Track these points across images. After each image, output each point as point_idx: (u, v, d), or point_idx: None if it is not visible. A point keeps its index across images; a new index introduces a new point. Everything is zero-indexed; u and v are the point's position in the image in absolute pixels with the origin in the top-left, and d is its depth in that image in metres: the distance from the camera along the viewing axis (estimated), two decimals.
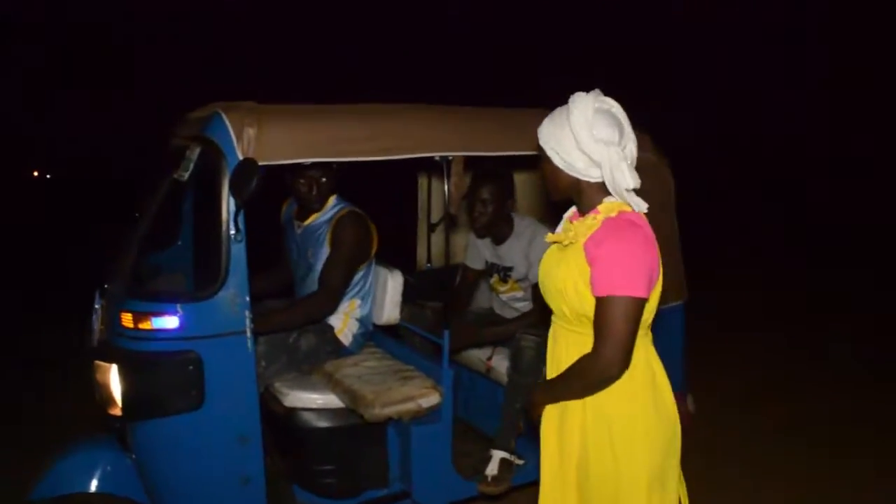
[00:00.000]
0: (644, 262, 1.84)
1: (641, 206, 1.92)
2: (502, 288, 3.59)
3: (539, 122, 2.02)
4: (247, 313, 2.51)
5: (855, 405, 4.96)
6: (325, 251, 3.15)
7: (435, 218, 4.22)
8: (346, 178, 3.23)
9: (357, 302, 3.26)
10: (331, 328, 3.21)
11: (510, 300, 3.60)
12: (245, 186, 2.33)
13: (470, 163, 2.96)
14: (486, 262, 3.63)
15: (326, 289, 3.09)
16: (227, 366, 2.52)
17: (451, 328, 2.97)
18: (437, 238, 4.26)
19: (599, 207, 1.92)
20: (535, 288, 3.32)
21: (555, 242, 2.07)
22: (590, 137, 1.85)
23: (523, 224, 3.46)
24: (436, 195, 4.21)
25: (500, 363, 3.39)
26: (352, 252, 3.15)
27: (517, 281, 3.50)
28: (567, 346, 2.03)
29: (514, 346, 3.13)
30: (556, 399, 2.06)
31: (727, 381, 5.35)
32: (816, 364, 5.86)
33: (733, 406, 4.93)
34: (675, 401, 2.05)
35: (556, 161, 1.93)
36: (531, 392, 2.17)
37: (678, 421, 2.05)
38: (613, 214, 1.89)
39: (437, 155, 2.84)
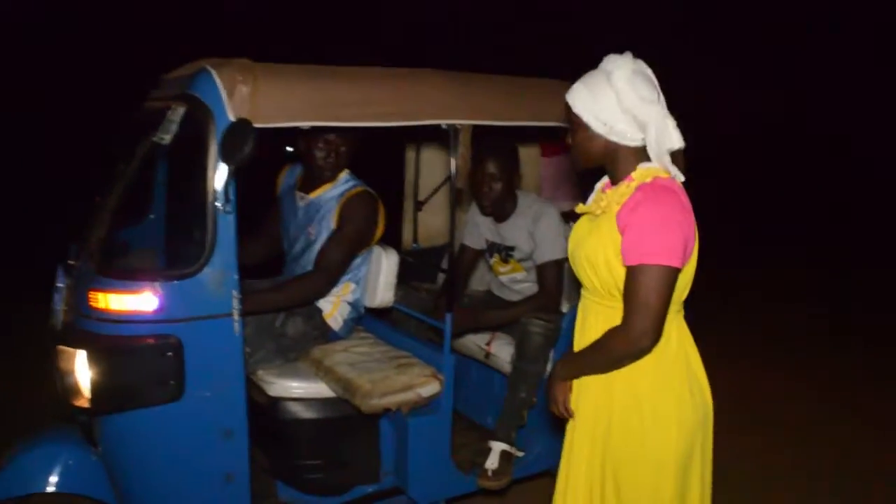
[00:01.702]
0: (679, 229, 1.77)
1: (678, 174, 1.89)
2: (503, 269, 3.39)
3: (553, 91, 1.90)
4: (234, 293, 2.30)
5: None
6: (330, 229, 2.93)
7: (422, 195, 4.00)
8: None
9: (351, 286, 3.05)
10: (319, 311, 2.99)
11: (510, 282, 3.41)
12: (237, 151, 2.10)
13: (475, 135, 2.76)
14: (487, 242, 3.43)
15: (324, 269, 2.88)
16: (211, 352, 2.32)
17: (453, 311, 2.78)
18: (424, 216, 4.06)
19: (633, 174, 1.88)
20: (541, 269, 3.14)
21: (585, 213, 2.02)
22: (635, 96, 1.83)
23: (527, 201, 3.27)
24: (425, 170, 3.99)
25: (501, 349, 3.21)
26: (358, 234, 2.94)
27: (519, 261, 3.31)
28: (597, 321, 1.97)
29: (521, 331, 2.95)
30: (581, 373, 2.02)
31: None
32: None
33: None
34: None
35: (595, 126, 1.88)
36: (555, 365, 2.10)
37: (711, 405, 2.00)
38: (648, 180, 1.84)
39: (444, 122, 2.64)
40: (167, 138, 2.31)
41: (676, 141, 1.84)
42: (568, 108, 1.94)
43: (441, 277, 3.90)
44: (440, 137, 2.70)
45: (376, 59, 2.82)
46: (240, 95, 2.20)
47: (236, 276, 2.28)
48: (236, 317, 2.30)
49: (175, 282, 2.24)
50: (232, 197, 2.22)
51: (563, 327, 3.04)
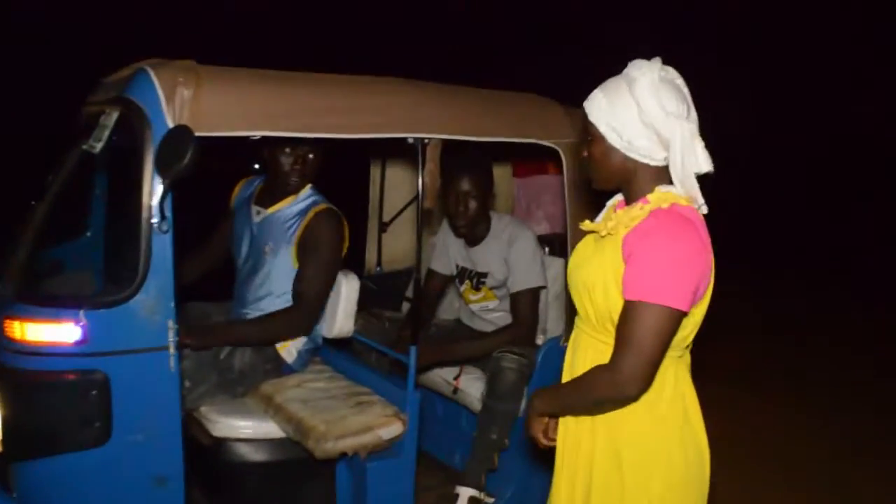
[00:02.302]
0: (692, 268, 1.59)
1: (703, 205, 1.70)
2: (474, 297, 3.16)
3: (532, 106, 1.71)
4: (170, 324, 2.04)
5: None
6: (290, 250, 2.68)
7: (387, 215, 3.77)
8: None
9: None
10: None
11: (482, 311, 3.18)
12: (174, 162, 1.86)
13: (444, 151, 2.55)
14: (457, 267, 3.20)
15: (306, 303, 2.65)
16: (142, 390, 2.07)
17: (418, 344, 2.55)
18: (389, 238, 3.83)
19: (649, 196, 1.69)
20: (515, 298, 2.92)
21: (591, 232, 1.83)
22: (659, 109, 1.63)
23: (502, 223, 3.05)
24: (390, 189, 3.77)
25: (470, 384, 2.98)
26: (335, 259, 2.70)
27: (492, 289, 3.08)
28: (586, 355, 1.80)
29: (493, 366, 2.73)
30: (560, 410, 1.84)
31: None
32: None
33: None
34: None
35: (612, 139, 1.69)
36: (532, 396, 1.91)
37: (707, 462, 1.80)
38: (665, 206, 1.65)
39: (411, 136, 2.42)
40: (98, 146, 2.07)
41: (704, 164, 1.65)
42: (584, 117, 1.76)
43: (406, 305, 3.68)
44: (407, 153, 2.48)
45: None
46: (180, 99, 1.96)
47: (173, 304, 2.03)
48: (172, 350, 2.05)
49: (102, 310, 1.98)
50: (169, 214, 1.97)
51: (537, 362, 2.82)
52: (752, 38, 14.45)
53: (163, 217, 1.96)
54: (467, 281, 3.15)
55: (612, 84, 1.71)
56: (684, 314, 1.60)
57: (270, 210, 2.74)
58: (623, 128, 1.66)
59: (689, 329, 1.70)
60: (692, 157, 1.64)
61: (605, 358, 1.67)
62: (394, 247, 3.85)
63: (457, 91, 2.67)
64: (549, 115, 2.82)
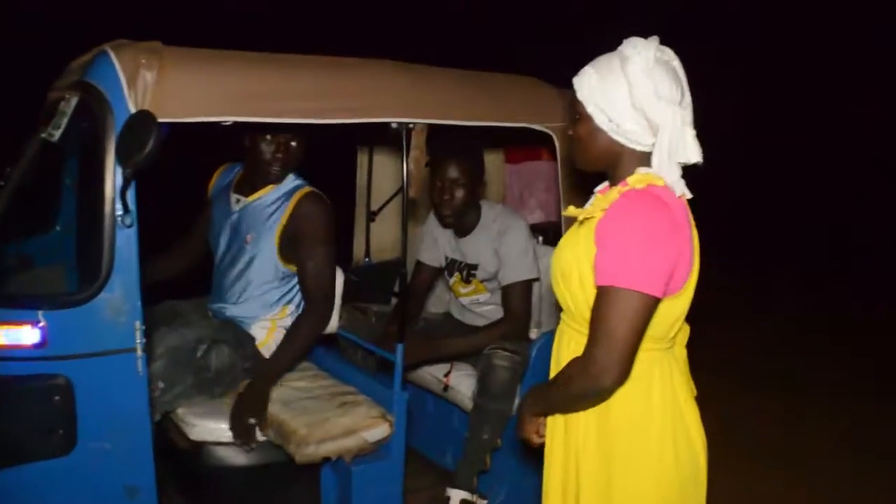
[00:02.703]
0: (663, 250, 1.50)
1: (685, 191, 1.62)
2: (464, 290, 3.03)
3: (525, 89, 1.93)
4: (137, 324, 1.91)
5: None
6: (272, 237, 2.56)
7: (376, 204, 3.64)
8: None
9: (289, 309, 2.67)
10: (251, 339, 2.61)
11: (472, 304, 3.06)
12: (137, 150, 1.72)
13: (431, 136, 2.42)
14: (446, 258, 3.07)
15: (322, 297, 2.56)
16: (109, 395, 1.95)
17: (405, 341, 2.42)
18: (378, 228, 3.69)
19: (628, 179, 1.60)
20: (507, 290, 2.80)
21: (575, 218, 1.73)
22: (651, 92, 1.54)
23: (493, 213, 2.92)
24: (378, 177, 3.64)
25: (460, 381, 2.86)
26: (334, 241, 2.60)
27: (483, 281, 2.95)
28: (570, 349, 1.71)
29: (484, 364, 2.61)
30: (545, 410, 1.78)
31: None
32: None
33: None
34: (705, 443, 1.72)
35: (599, 120, 1.61)
36: (524, 397, 1.86)
37: (703, 459, 1.71)
38: (640, 186, 1.56)
39: (395, 121, 2.29)
40: (57, 134, 1.93)
41: (693, 154, 1.57)
42: (573, 93, 1.66)
43: (396, 300, 3.55)
44: (395, 138, 2.34)
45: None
46: (143, 82, 1.82)
47: (139, 303, 1.90)
48: (139, 352, 1.92)
49: (62, 311, 1.86)
50: (133, 206, 1.85)
51: (531, 357, 2.70)
52: (751, 36, 14.26)
53: (126, 210, 1.83)
54: (457, 273, 3.02)
55: (605, 61, 1.62)
56: (657, 300, 1.51)
57: (251, 198, 2.60)
58: (611, 109, 1.58)
59: (671, 321, 1.61)
60: (681, 145, 1.56)
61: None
62: (383, 236, 3.72)
63: (443, 73, 2.54)
64: (541, 97, 2.69)
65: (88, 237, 1.90)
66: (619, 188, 1.59)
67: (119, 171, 1.81)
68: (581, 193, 2.50)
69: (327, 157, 3.30)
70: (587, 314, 1.59)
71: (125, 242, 1.86)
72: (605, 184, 1.76)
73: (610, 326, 1.48)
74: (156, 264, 2.79)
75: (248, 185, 2.64)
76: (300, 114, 2.10)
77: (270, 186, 2.59)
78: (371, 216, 3.66)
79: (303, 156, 2.60)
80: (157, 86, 1.83)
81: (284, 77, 2.10)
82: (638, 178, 1.58)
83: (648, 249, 1.48)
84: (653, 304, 1.50)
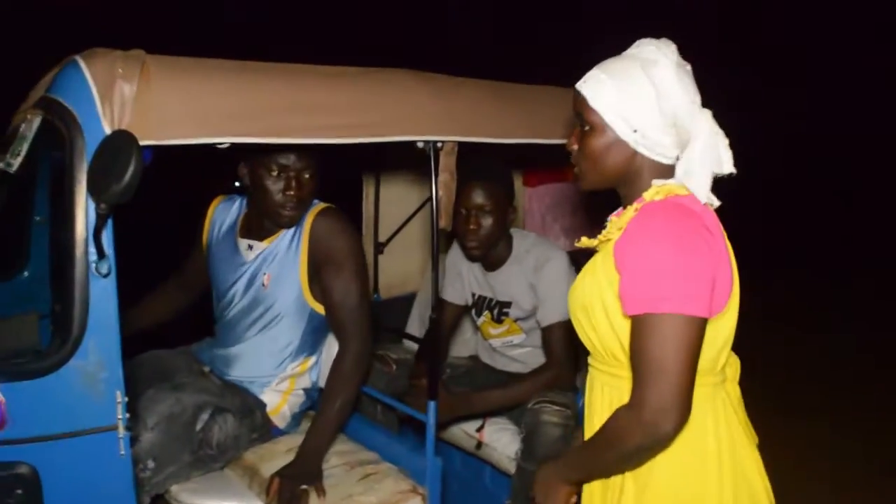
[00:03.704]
0: (700, 260, 1.31)
1: (713, 198, 1.43)
2: (495, 330, 2.69)
3: (560, 102, 1.72)
4: (118, 396, 1.56)
5: None
6: (296, 271, 2.21)
7: (384, 235, 3.30)
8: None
9: (311, 360, 2.32)
10: (262, 406, 2.24)
11: (505, 347, 2.71)
12: (114, 180, 1.38)
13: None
14: (473, 295, 2.72)
15: (359, 336, 2.18)
16: (84, 484, 1.59)
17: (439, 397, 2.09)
18: (386, 261, 3.35)
19: (644, 194, 1.45)
20: (548, 332, 2.46)
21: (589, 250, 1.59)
22: (684, 96, 1.41)
23: (526, 243, 2.58)
24: (386, 205, 3.30)
25: (496, 436, 2.52)
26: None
27: (517, 321, 2.61)
28: (603, 398, 1.52)
29: (530, 421, 2.27)
30: (582, 475, 1.54)
31: None
32: None
33: None
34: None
35: (621, 130, 1.44)
36: (547, 464, 1.61)
37: None
38: (659, 197, 1.41)
39: (420, 139, 1.96)
40: (15, 163, 1.61)
41: (727, 164, 1.43)
42: (580, 102, 1.48)
43: (407, 342, 3.21)
44: (406, 160, 2.02)
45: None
46: (119, 97, 1.48)
47: (120, 370, 1.55)
48: (122, 430, 1.57)
49: (25, 381, 1.50)
50: (110, 251, 1.50)
51: (580, 407, 2.36)
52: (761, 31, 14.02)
53: (101, 255, 1.48)
54: (486, 312, 2.67)
55: (620, 66, 1.46)
56: (704, 321, 1.30)
57: (267, 242, 2.24)
58: (636, 117, 1.42)
59: (717, 348, 1.42)
60: (714, 155, 1.41)
61: (622, 397, 1.39)
62: (392, 270, 3.38)
63: (472, 84, 2.21)
64: None
65: (56, 289, 1.56)
66: (634, 206, 1.44)
67: (92, 206, 1.47)
68: None
69: (329, 183, 2.95)
70: (618, 352, 1.44)
71: (101, 295, 1.51)
72: (620, 209, 1.58)
73: (657, 360, 1.27)
74: (140, 310, 2.44)
75: (258, 229, 2.26)
76: (310, 132, 1.76)
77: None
78: (379, 248, 3.32)
79: (318, 188, 2.23)
80: (138, 101, 1.49)
81: (289, 90, 1.76)
82: (655, 191, 1.42)
83: (683, 262, 1.29)
84: (701, 326, 1.30)
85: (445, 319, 2.78)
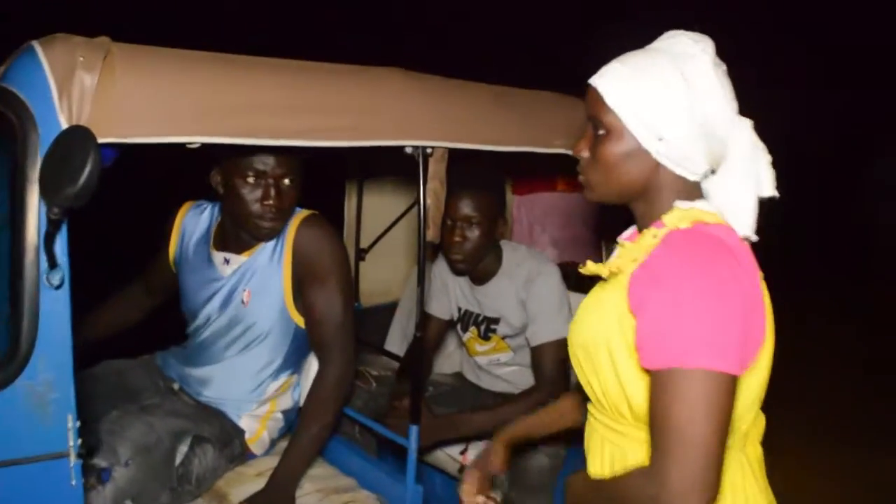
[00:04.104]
0: (733, 307, 1.10)
1: (751, 233, 1.24)
2: (481, 347, 2.55)
3: (562, 108, 1.74)
4: (70, 420, 1.41)
5: None
6: (279, 285, 2.04)
7: (366, 241, 3.18)
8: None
9: (293, 379, 2.18)
10: (240, 434, 2.08)
11: (491, 364, 2.57)
12: (69, 181, 1.23)
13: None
14: (459, 310, 2.59)
15: (342, 357, 2.02)
16: None
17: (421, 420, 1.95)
18: (368, 268, 3.23)
19: (665, 218, 1.23)
20: (538, 353, 2.33)
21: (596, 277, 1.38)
22: (725, 101, 1.22)
23: (517, 256, 2.45)
24: (368, 210, 3.16)
25: None
26: (346, 275, 2.07)
27: (505, 338, 2.48)
28: (602, 451, 1.32)
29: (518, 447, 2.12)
30: None
31: None
32: None
33: None
34: None
35: (643, 138, 1.22)
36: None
37: None
38: (685, 225, 1.20)
39: (409, 144, 1.83)
40: None
41: (768, 186, 1.25)
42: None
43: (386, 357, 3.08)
44: (390, 165, 1.89)
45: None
46: (79, 88, 1.33)
47: (73, 391, 1.40)
48: (73, 458, 1.42)
49: None
50: (63, 259, 1.35)
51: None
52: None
53: (53, 265, 1.33)
54: (473, 328, 2.54)
55: (646, 59, 1.25)
56: (735, 378, 1.09)
57: (245, 255, 2.06)
58: (663, 122, 1.20)
59: (745, 406, 1.21)
60: (751, 172, 1.24)
61: (625, 457, 1.24)
62: (374, 277, 3.26)
63: (466, 87, 2.07)
64: (579, 118, 2.24)
65: (3, 301, 1.41)
66: (653, 231, 1.22)
67: (44, 210, 1.32)
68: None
69: (308, 185, 2.81)
70: (623, 407, 1.24)
71: (53, 308, 1.36)
72: (633, 229, 1.39)
73: (684, 426, 1.06)
74: (101, 314, 2.29)
75: (234, 239, 2.08)
76: (290, 134, 1.62)
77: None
78: (360, 254, 3.19)
79: (300, 196, 2.06)
80: (100, 93, 1.34)
81: (269, 86, 1.62)
82: (679, 216, 1.21)
83: (717, 308, 1.08)
84: (733, 385, 1.09)
85: (429, 335, 2.64)
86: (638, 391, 1.19)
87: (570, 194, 3.44)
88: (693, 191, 1.27)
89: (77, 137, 1.25)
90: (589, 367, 1.28)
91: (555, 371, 2.29)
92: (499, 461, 1.69)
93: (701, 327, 1.08)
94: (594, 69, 1.29)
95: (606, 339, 1.23)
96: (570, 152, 2.15)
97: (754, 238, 1.23)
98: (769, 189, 1.25)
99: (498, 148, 2.02)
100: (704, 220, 1.20)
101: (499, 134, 2.03)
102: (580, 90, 2.35)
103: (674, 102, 1.20)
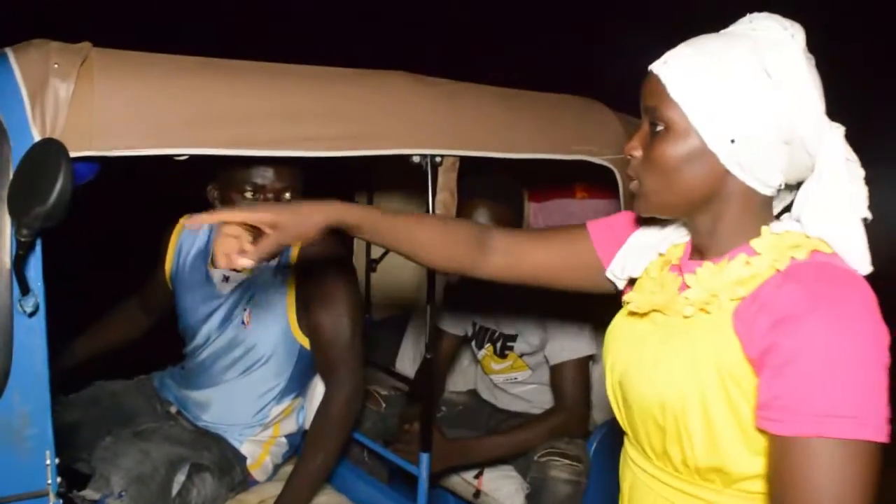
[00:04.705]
0: (886, 367, 0.92)
1: (868, 267, 1.01)
2: (497, 366, 2.43)
3: (581, 113, 1.65)
4: (48, 455, 1.30)
5: None
6: (283, 304, 1.95)
7: (377, 251, 3.07)
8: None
9: (298, 402, 2.07)
10: (241, 460, 1.98)
11: (507, 383, 2.45)
12: (39, 200, 1.13)
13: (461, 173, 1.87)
14: (473, 325, 2.47)
15: (351, 380, 1.91)
16: None
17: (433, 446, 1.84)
18: (380, 279, 3.12)
19: (756, 243, 1.05)
20: (558, 372, 2.21)
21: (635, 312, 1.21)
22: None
23: None
24: None
25: (497, 484, 2.25)
26: (354, 291, 1.97)
27: (522, 356, 2.35)
28: None
29: (537, 475, 2.02)
30: None
31: None
32: None
33: None
34: None
35: (712, 137, 1.03)
36: None
37: None
38: (802, 256, 1.01)
39: (416, 153, 1.72)
40: None
41: (860, 206, 1.01)
42: (655, 89, 1.08)
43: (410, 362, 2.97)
44: (404, 174, 1.78)
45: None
46: (52, 97, 1.23)
47: (50, 427, 1.30)
48: (52, 498, 1.31)
49: None
50: (37, 284, 1.25)
51: (590, 457, 2.11)
52: None
53: (25, 291, 1.23)
54: (489, 345, 2.41)
55: (720, 45, 1.04)
56: (884, 447, 0.91)
57: (245, 271, 1.98)
58: (737, 121, 1.01)
59: None
60: (849, 191, 1.01)
61: None
62: (385, 289, 3.15)
63: (476, 91, 1.95)
64: (599, 123, 2.12)
65: None
66: (746, 258, 1.04)
67: (13, 231, 1.22)
68: None
69: (315, 195, 2.69)
70: (715, 473, 1.05)
71: (27, 337, 1.25)
72: (676, 238, 1.21)
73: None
74: (96, 333, 2.20)
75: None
76: (288, 144, 1.50)
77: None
78: (371, 265, 3.08)
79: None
80: (76, 103, 1.24)
81: (265, 92, 1.51)
82: (792, 243, 1.02)
83: (872, 366, 0.91)
84: (882, 455, 0.90)
85: (442, 352, 2.52)
86: (740, 454, 1.02)
87: (590, 201, 3.32)
88: (766, 207, 1.10)
89: (48, 152, 1.15)
90: (672, 431, 1.08)
91: (576, 392, 2.17)
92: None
93: (855, 386, 0.91)
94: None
95: (701, 396, 1.03)
96: (589, 158, 2.05)
97: (867, 270, 1.01)
98: (863, 208, 1.03)
99: (512, 155, 1.90)
100: (820, 249, 1.02)
101: (513, 140, 1.90)
102: (597, 92, 2.25)
103: (753, 98, 1.01)
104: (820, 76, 1.04)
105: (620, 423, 1.23)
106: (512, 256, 1.38)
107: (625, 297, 1.22)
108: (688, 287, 1.10)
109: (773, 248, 1.03)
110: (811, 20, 1.10)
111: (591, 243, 1.35)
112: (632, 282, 1.29)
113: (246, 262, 1.18)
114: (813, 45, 1.04)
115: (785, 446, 0.92)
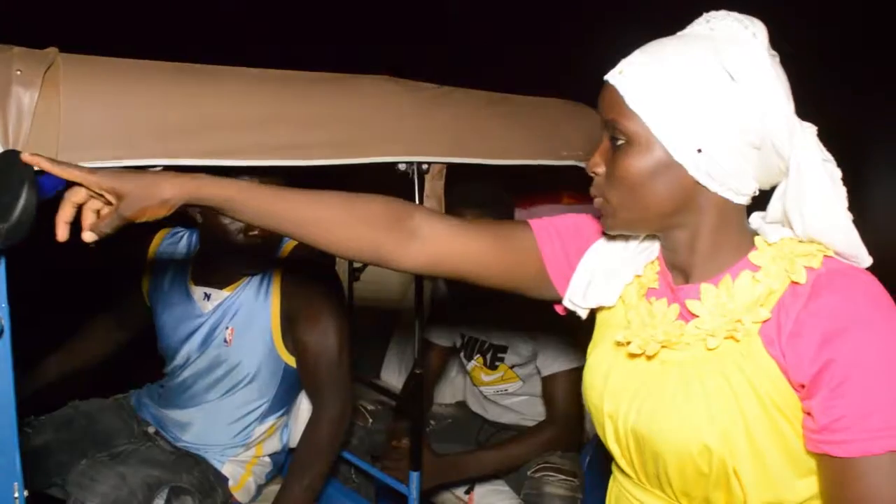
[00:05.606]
0: None
1: (868, 259, 0.99)
2: (487, 377, 2.38)
3: (565, 118, 1.59)
4: (16, 487, 1.23)
5: None
6: (266, 321, 1.88)
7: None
8: None
9: (282, 420, 2.01)
10: (223, 481, 1.91)
11: (498, 395, 2.40)
12: (2, 216, 1.07)
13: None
14: (462, 336, 2.41)
15: (338, 400, 1.85)
16: None
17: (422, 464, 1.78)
18: (362, 289, 3.04)
19: (756, 257, 1.02)
20: (549, 383, 2.16)
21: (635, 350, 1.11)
22: (785, 101, 0.96)
23: None
24: None
25: (487, 500, 2.20)
26: (344, 316, 1.91)
27: (513, 367, 2.30)
28: None
29: (532, 491, 1.97)
30: None
31: None
32: None
33: None
34: None
35: (677, 147, 0.98)
36: None
37: None
38: (816, 265, 0.96)
39: (402, 160, 1.66)
40: None
41: (841, 205, 0.97)
42: (612, 101, 1.02)
43: (396, 371, 2.91)
44: (389, 181, 1.72)
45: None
46: (15, 107, 1.16)
47: (17, 455, 1.23)
48: None
49: None
50: (2, 305, 1.18)
51: (584, 472, 2.06)
52: None
53: None
54: (478, 356, 2.36)
55: (677, 48, 0.99)
56: None
57: (228, 290, 1.90)
58: (701, 129, 0.96)
59: None
60: (826, 193, 0.96)
61: None
62: (368, 298, 3.08)
63: (463, 96, 1.90)
64: (587, 127, 2.07)
65: None
66: (752, 275, 1.00)
67: None
68: None
69: None
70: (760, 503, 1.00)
71: None
72: (646, 254, 1.15)
73: None
74: (63, 354, 2.12)
75: (215, 272, 1.91)
76: (267, 153, 1.44)
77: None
78: (354, 274, 3.01)
79: None
80: (41, 112, 1.17)
81: (242, 99, 1.44)
82: (797, 251, 0.98)
83: None
84: None
85: (430, 364, 2.46)
86: (792, 482, 0.98)
87: (578, 206, 3.28)
88: (743, 215, 1.06)
89: (9, 165, 1.08)
90: (719, 476, 1.00)
91: (569, 404, 2.12)
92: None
93: None
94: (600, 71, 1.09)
95: (747, 432, 0.97)
96: (579, 163, 2.00)
97: (867, 262, 0.99)
98: (844, 215, 0.99)
99: (501, 161, 1.84)
100: (829, 255, 0.98)
101: (502, 147, 1.85)
102: (587, 94, 2.19)
103: (716, 103, 0.96)
104: (786, 73, 0.98)
105: (628, 470, 1.15)
106: (436, 244, 1.22)
107: (618, 338, 1.12)
108: (693, 315, 1.04)
109: (775, 260, 0.99)
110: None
111: (535, 243, 1.25)
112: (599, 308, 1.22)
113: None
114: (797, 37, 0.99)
115: (849, 467, 0.89)
